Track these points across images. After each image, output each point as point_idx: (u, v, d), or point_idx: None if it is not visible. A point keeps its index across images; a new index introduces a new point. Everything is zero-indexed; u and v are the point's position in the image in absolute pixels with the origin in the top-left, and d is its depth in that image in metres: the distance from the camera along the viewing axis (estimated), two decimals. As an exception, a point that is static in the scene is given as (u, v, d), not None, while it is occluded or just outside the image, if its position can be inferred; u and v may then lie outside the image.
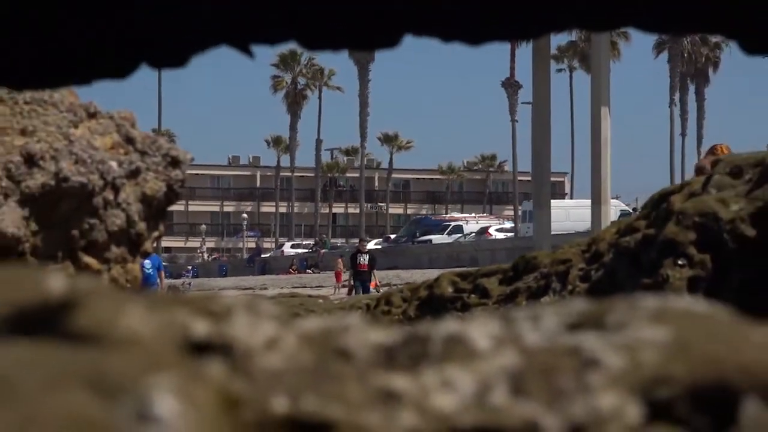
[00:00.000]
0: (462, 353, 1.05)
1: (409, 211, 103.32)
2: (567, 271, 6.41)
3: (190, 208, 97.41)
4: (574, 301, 1.16)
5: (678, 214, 5.59)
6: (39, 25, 2.19)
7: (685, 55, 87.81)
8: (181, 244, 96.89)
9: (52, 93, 6.08)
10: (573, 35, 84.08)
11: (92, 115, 6.25)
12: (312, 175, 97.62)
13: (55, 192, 5.92)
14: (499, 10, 2.20)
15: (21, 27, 2.20)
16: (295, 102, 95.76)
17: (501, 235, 62.59)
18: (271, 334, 1.06)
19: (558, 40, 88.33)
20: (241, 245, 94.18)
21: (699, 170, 9.80)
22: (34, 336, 0.99)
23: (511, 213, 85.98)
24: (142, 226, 6.20)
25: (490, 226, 67.46)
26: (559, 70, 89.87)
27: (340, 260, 43.62)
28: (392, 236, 74.78)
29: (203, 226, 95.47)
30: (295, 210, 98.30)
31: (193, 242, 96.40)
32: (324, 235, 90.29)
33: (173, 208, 6.97)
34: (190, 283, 51.66)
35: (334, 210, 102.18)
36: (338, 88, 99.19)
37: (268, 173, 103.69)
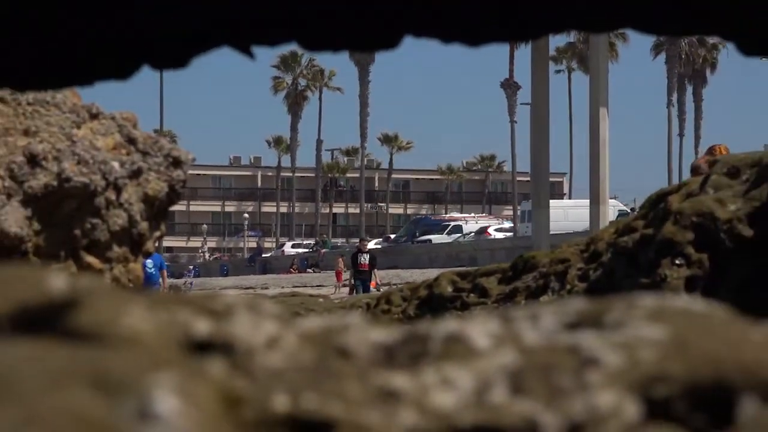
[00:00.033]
0: (461, 352, 1.05)
1: (408, 211, 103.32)
2: (565, 270, 6.41)
3: (192, 208, 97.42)
4: (573, 300, 1.16)
5: (676, 214, 5.59)
6: (40, 25, 2.19)
7: (683, 56, 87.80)
8: (182, 244, 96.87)
9: (55, 94, 6.08)
10: (571, 36, 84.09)
11: (94, 116, 6.25)
12: (313, 175, 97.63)
13: (58, 192, 5.92)
14: (498, 12, 2.20)
15: (22, 27, 2.20)
16: (295, 103, 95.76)
17: (500, 235, 62.58)
18: (271, 333, 1.06)
19: (556, 41, 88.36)
20: (242, 245, 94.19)
21: (695, 170, 9.79)
22: (36, 335, 0.99)
23: (510, 213, 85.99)
24: (143, 225, 6.20)
25: (489, 226, 67.44)
26: (558, 71, 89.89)
27: (340, 260, 43.61)
28: (392, 236, 74.76)
29: (205, 226, 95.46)
30: (296, 210, 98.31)
31: (195, 242, 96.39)
32: (324, 235, 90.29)
33: (175, 208, 6.97)
34: (191, 283, 51.65)
35: (335, 210, 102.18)
36: (338, 89, 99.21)
37: (269, 173, 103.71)
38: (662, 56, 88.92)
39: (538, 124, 27.97)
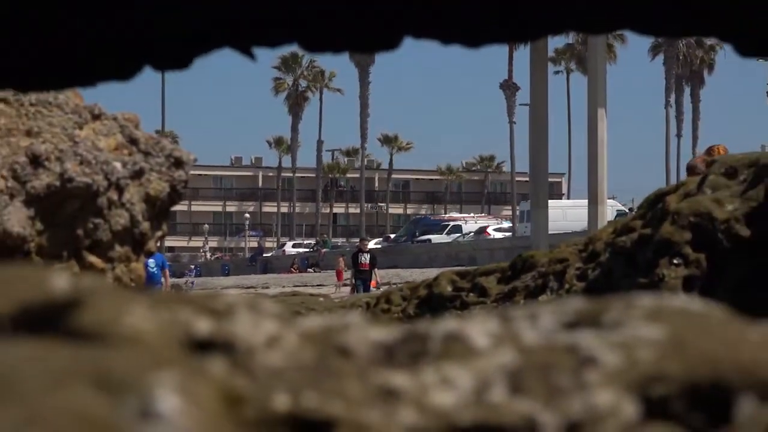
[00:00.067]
0: (461, 351, 1.05)
1: (408, 211, 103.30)
2: (564, 270, 6.41)
3: (193, 208, 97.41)
4: (571, 300, 1.16)
5: (673, 214, 5.59)
6: (40, 25, 2.19)
7: (681, 57, 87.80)
8: (184, 244, 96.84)
9: (57, 95, 6.08)
10: (570, 38, 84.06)
11: (97, 117, 6.25)
12: (313, 175, 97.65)
13: (60, 192, 5.92)
14: (498, 13, 2.20)
15: (22, 27, 2.20)
16: (296, 103, 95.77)
17: (499, 235, 62.57)
18: (272, 332, 1.06)
19: (555, 42, 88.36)
20: (243, 245, 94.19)
21: (690, 169, 9.78)
22: (38, 334, 0.99)
23: (509, 213, 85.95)
24: (145, 225, 6.20)
25: (488, 226, 67.42)
26: (557, 72, 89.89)
27: (341, 259, 43.61)
28: (392, 236, 74.74)
29: (206, 226, 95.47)
30: (297, 210, 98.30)
31: (196, 242, 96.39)
32: (325, 235, 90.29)
33: (176, 208, 6.97)
34: (193, 282, 51.64)
35: (335, 210, 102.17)
36: (339, 90, 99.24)
37: (270, 174, 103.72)
38: (660, 57, 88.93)
39: (537, 124, 27.98)
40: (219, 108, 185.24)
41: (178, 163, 6.31)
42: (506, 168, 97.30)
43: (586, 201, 28.91)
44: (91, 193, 5.96)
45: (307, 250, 76.40)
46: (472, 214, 79.01)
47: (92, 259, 6.06)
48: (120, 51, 2.25)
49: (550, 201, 29.95)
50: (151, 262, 16.29)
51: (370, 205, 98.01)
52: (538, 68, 28.06)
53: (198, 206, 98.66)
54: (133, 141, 6.23)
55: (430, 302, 7.09)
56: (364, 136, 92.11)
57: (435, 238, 64.63)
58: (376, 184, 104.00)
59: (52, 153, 5.96)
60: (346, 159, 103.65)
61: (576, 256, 6.43)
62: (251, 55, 2.31)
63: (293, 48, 2.34)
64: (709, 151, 9.75)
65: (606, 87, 27.93)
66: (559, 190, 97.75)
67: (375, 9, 2.18)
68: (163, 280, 18.11)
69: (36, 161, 5.92)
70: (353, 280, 27.42)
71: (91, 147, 6.07)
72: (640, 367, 1.02)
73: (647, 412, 1.00)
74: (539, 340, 1.07)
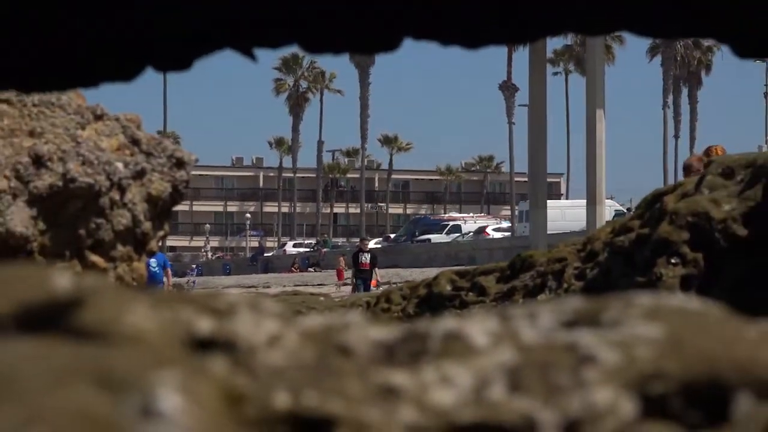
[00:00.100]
0: (460, 350, 1.04)
1: (408, 211, 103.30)
2: (563, 269, 6.41)
3: (195, 208, 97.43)
4: (570, 299, 1.16)
5: (671, 213, 5.59)
6: (40, 25, 2.19)
7: (678, 58, 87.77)
8: (185, 243, 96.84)
9: (60, 95, 6.08)
10: (569, 39, 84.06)
11: (99, 118, 6.25)
12: (314, 175, 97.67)
13: (63, 192, 5.92)
14: (498, 14, 2.20)
15: (22, 27, 2.19)
16: (297, 104, 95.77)
17: (498, 235, 62.57)
18: (273, 331, 1.06)
19: (554, 44, 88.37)
20: (244, 244, 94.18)
21: (687, 168, 9.78)
22: (41, 333, 0.98)
23: (508, 213, 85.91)
24: (147, 225, 6.20)
25: (487, 226, 67.41)
26: (555, 74, 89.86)
27: (342, 259, 43.59)
28: (392, 235, 74.74)
29: (207, 226, 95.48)
30: (297, 210, 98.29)
31: (198, 241, 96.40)
32: (325, 235, 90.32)
33: (178, 207, 6.97)
34: (194, 282, 51.64)
35: (336, 210, 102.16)
36: (339, 91, 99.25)
37: (271, 174, 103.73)
38: (658, 58, 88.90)
39: (536, 125, 27.98)
40: (220, 109, 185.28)
41: (180, 164, 6.31)
42: (505, 168, 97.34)
43: (585, 201, 28.91)
44: (93, 193, 5.95)
45: (308, 249, 76.40)
46: (471, 214, 78.99)
47: (94, 258, 6.06)
48: (121, 51, 2.25)
49: (548, 201, 29.95)
50: (153, 261, 16.30)
51: (370, 205, 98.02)
52: (537, 69, 28.05)
53: (199, 206, 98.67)
54: (135, 141, 6.23)
55: (430, 301, 7.09)
56: (364, 137, 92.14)
57: (434, 237, 64.64)
58: (376, 185, 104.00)
59: (55, 153, 5.95)
60: (346, 159, 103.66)
61: (574, 255, 6.43)
62: (252, 56, 2.31)
63: (294, 49, 2.34)
64: (708, 151, 9.75)
65: (604, 88, 27.92)
66: (557, 190, 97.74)
67: (375, 9, 2.18)
68: (165, 279, 18.11)
69: (39, 161, 5.92)
70: (354, 280, 27.40)
71: (93, 147, 6.07)
72: (639, 366, 1.02)
73: (645, 410, 1.00)
74: (538, 339, 1.06)
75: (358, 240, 36.91)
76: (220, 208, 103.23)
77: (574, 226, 45.39)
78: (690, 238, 5.46)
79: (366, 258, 26.59)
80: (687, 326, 1.07)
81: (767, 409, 1.00)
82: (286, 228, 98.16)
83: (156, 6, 2.16)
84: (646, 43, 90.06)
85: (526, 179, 36.72)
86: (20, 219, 5.81)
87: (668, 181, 71.34)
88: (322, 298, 8.48)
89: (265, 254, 79.31)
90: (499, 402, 0.99)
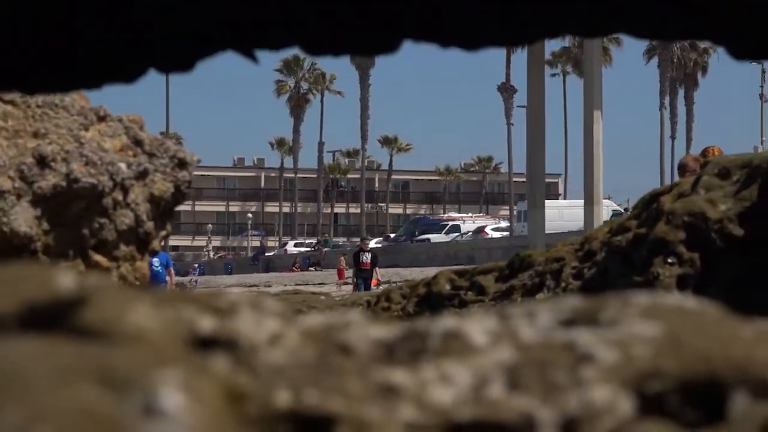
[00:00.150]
0: (459, 348, 1.04)
1: (408, 211, 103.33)
2: (561, 269, 6.41)
3: (197, 208, 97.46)
4: (568, 298, 1.16)
5: (668, 213, 5.59)
6: (42, 26, 2.18)
7: (675, 60, 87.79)
8: (188, 243, 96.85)
9: (63, 97, 6.08)
10: (566, 41, 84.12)
11: (102, 119, 6.24)
12: (314, 176, 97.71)
13: (67, 192, 5.92)
14: (498, 15, 2.19)
15: (22, 27, 2.19)
16: (298, 105, 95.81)
17: (497, 234, 62.54)
18: (274, 330, 1.06)
19: (552, 45, 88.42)
20: (245, 244, 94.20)
21: (682, 167, 9.78)
22: (44, 332, 0.98)
23: (507, 213, 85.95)
24: (150, 225, 6.20)
25: (486, 226, 67.39)
26: (553, 75, 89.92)
27: (342, 258, 43.57)
28: (392, 235, 74.74)
29: (209, 226, 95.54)
30: (298, 210, 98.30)
31: (200, 241, 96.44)
32: (326, 234, 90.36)
33: (180, 208, 6.97)
34: (196, 281, 51.64)
35: (336, 210, 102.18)
36: (339, 93, 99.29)
37: (272, 174, 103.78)
38: (655, 60, 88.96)
39: (534, 126, 27.98)
40: (222, 110, 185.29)
41: (182, 164, 6.30)
42: (504, 169, 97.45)
43: (582, 201, 28.90)
44: (96, 193, 5.95)
45: (309, 249, 76.40)
46: (470, 214, 79.00)
47: (98, 258, 6.06)
48: (121, 52, 2.25)
49: (546, 201, 29.95)
50: (156, 261, 16.31)
51: (370, 205, 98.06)
52: (535, 71, 28.05)
53: (201, 206, 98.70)
54: (137, 142, 6.23)
55: (430, 300, 7.09)
56: (364, 138, 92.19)
57: (434, 237, 64.65)
58: (377, 185, 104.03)
59: (59, 154, 5.95)
60: (346, 160, 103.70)
61: (572, 255, 6.43)
62: (254, 58, 2.31)
63: (295, 51, 2.34)
64: (705, 152, 9.75)
65: (602, 89, 27.92)
66: (555, 190, 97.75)
67: (374, 9, 2.18)
68: (167, 278, 18.12)
69: (42, 162, 5.92)
70: (355, 279, 27.39)
71: (96, 148, 6.07)
72: (636, 364, 1.02)
73: (643, 408, 1.00)
74: (537, 338, 1.06)
75: (358, 239, 36.91)
76: (222, 208, 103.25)
77: (571, 225, 45.40)
78: (686, 237, 5.46)
79: (367, 258, 26.58)
80: (684, 325, 1.07)
81: (763, 408, 1.00)
82: (287, 228, 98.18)
83: (156, 6, 2.15)
84: (642, 45, 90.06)
85: (524, 179, 36.72)
86: (24, 219, 5.81)
87: (665, 181, 71.35)
88: (322, 297, 8.48)
89: (267, 254, 79.31)
90: (498, 400, 0.99)
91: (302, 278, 48.45)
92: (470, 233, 64.84)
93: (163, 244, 6.77)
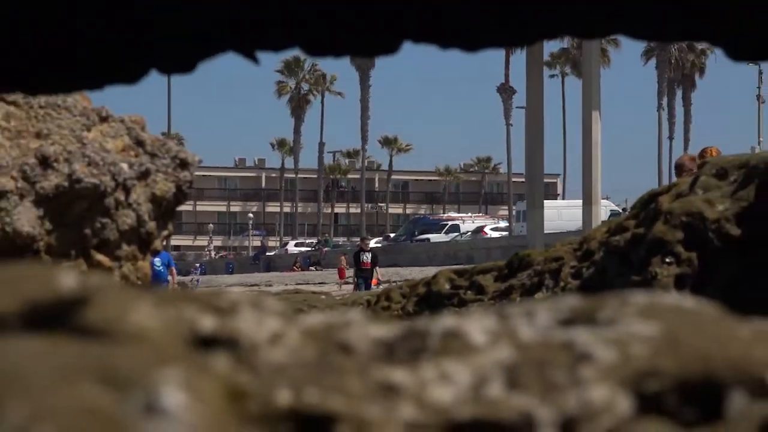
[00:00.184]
0: (459, 347, 1.04)
1: (408, 211, 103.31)
2: (559, 268, 6.41)
3: (198, 208, 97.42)
4: (567, 297, 1.16)
5: (666, 213, 5.59)
6: (42, 26, 2.18)
7: (673, 61, 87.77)
8: (189, 243, 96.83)
9: (66, 98, 6.08)
10: (565, 42, 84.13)
11: (104, 119, 6.24)
12: (315, 176, 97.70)
13: (69, 193, 5.92)
14: (497, 16, 2.19)
15: (24, 28, 2.19)
16: (298, 106, 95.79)
17: (496, 234, 62.54)
18: (275, 329, 1.06)
19: (550, 47, 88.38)
20: (246, 244, 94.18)
21: (679, 167, 9.79)
22: (46, 331, 0.98)
23: (506, 213, 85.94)
24: (151, 225, 6.19)
25: (485, 226, 67.39)
26: (552, 76, 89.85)
27: (343, 258, 43.54)
28: (392, 235, 74.75)
29: (211, 226, 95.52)
30: (299, 210, 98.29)
31: (201, 241, 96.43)
32: (326, 234, 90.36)
33: (182, 207, 6.97)
34: (198, 280, 51.64)
35: (336, 210, 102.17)
36: (340, 94, 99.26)
37: (273, 175, 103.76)
38: (653, 61, 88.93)
39: (533, 127, 27.98)
40: (223, 111, 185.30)
41: (184, 165, 6.30)
42: (503, 169, 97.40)
43: (581, 201, 28.91)
44: (98, 193, 5.95)
45: (309, 248, 76.39)
46: (469, 214, 78.98)
47: (100, 257, 6.06)
48: (122, 53, 2.25)
49: (545, 201, 29.95)
50: (157, 261, 16.30)
51: (370, 205, 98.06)
52: (534, 72, 28.06)
53: (203, 206, 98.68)
54: (139, 143, 6.23)
55: (429, 300, 7.09)
56: (364, 138, 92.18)
57: (433, 237, 64.65)
58: (377, 185, 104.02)
59: (61, 154, 5.95)
60: (347, 160, 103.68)
61: (571, 254, 6.43)
62: (255, 59, 2.31)
63: (295, 52, 2.34)
64: (703, 152, 9.75)
65: (600, 90, 27.93)
66: (554, 190, 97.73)
67: (374, 9, 2.17)
68: (169, 277, 18.12)
69: (45, 162, 5.92)
70: (356, 279, 27.36)
71: (98, 148, 6.07)
72: (634, 363, 1.02)
73: (641, 407, 1.00)
74: (535, 337, 1.06)
75: (358, 239, 36.88)
76: (223, 208, 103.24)
77: (570, 225, 45.42)
78: (684, 237, 5.46)
79: (367, 257, 26.54)
80: (682, 325, 1.07)
81: (760, 407, 1.00)
82: (288, 228, 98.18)
83: (156, 6, 2.15)
84: (640, 46, 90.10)
85: (523, 180, 36.71)
86: (27, 219, 5.81)
87: (663, 181, 71.34)
88: (323, 297, 8.48)
89: (267, 253, 79.29)
90: (498, 399, 0.99)
91: (303, 278, 48.44)
92: (469, 233, 64.84)
93: (164, 243, 6.77)
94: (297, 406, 0.96)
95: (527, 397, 0.99)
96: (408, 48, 2.30)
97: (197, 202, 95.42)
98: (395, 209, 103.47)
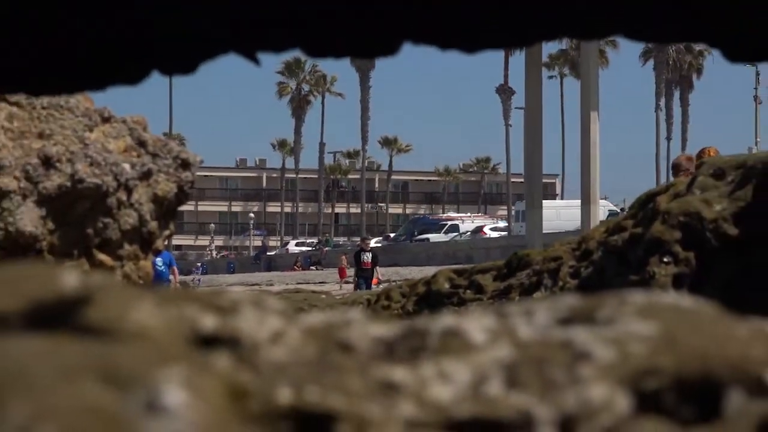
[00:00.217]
0: (458, 346, 1.04)
1: (407, 211, 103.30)
2: (558, 268, 6.41)
3: (200, 208, 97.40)
4: (565, 296, 1.15)
5: (664, 213, 5.59)
6: (42, 26, 2.18)
7: (671, 62, 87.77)
8: (191, 243, 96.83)
9: (68, 98, 6.08)
10: (564, 44, 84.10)
11: (106, 120, 6.24)
12: (315, 176, 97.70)
13: (71, 193, 5.92)
14: (496, 18, 2.19)
15: (24, 28, 2.18)
16: (299, 107, 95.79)
17: (495, 234, 62.53)
18: (276, 328, 1.06)
19: (549, 48, 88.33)
20: (248, 243, 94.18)
21: (675, 167, 9.79)
22: (49, 330, 0.98)
23: (505, 213, 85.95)
24: (153, 225, 6.19)
25: (484, 225, 67.38)
26: (551, 77, 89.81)
27: (344, 257, 43.52)
28: (392, 235, 74.75)
29: (212, 225, 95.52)
30: (300, 210, 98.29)
31: (203, 240, 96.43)
32: (327, 234, 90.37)
33: (183, 207, 6.97)
34: (199, 280, 51.64)
35: (337, 210, 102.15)
36: (340, 94, 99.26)
37: (274, 175, 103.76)
38: (651, 62, 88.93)
39: (532, 127, 27.97)
40: (225, 111, 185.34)
41: (185, 165, 6.30)
42: (502, 169, 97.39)
43: (579, 201, 28.88)
44: (100, 193, 5.95)
45: (310, 248, 76.39)
46: (469, 214, 78.98)
47: (102, 257, 6.06)
48: (123, 53, 2.24)
49: (544, 201, 29.93)
50: (159, 260, 16.29)
51: (370, 205, 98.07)
52: (533, 73, 28.04)
53: (204, 206, 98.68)
54: (141, 143, 6.23)
55: (429, 299, 7.09)
56: (364, 139, 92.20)
57: (433, 237, 64.65)
58: (377, 185, 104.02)
59: (64, 155, 5.95)
60: (347, 160, 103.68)
61: (569, 254, 6.43)
62: (256, 60, 2.30)
63: (296, 53, 2.34)
64: (701, 153, 9.75)
65: (598, 91, 27.91)
66: (553, 190, 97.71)
67: (375, 10, 2.17)
68: (171, 277, 18.11)
69: (48, 163, 5.92)
70: (356, 278, 27.34)
71: (100, 149, 6.07)
72: (633, 362, 1.02)
73: (640, 406, 0.99)
74: (534, 336, 1.06)
75: (358, 239, 36.87)
76: (225, 208, 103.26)
77: (569, 225, 45.40)
78: (682, 237, 5.46)
79: (368, 257, 26.52)
80: (680, 324, 1.07)
81: (758, 406, 1.00)
82: (289, 227, 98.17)
83: (156, 6, 2.15)
84: (639, 47, 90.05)
85: (522, 180, 36.70)
86: (30, 219, 5.81)
87: (660, 181, 71.31)
88: (323, 296, 8.48)
89: (268, 253, 79.28)
90: (497, 397, 0.99)
91: (303, 277, 48.43)
92: (469, 233, 64.85)
93: (166, 243, 6.77)
94: (298, 405, 0.96)
95: (526, 395, 0.99)
96: (408, 49, 2.30)
97: (199, 202, 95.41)
98: (395, 209, 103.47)
